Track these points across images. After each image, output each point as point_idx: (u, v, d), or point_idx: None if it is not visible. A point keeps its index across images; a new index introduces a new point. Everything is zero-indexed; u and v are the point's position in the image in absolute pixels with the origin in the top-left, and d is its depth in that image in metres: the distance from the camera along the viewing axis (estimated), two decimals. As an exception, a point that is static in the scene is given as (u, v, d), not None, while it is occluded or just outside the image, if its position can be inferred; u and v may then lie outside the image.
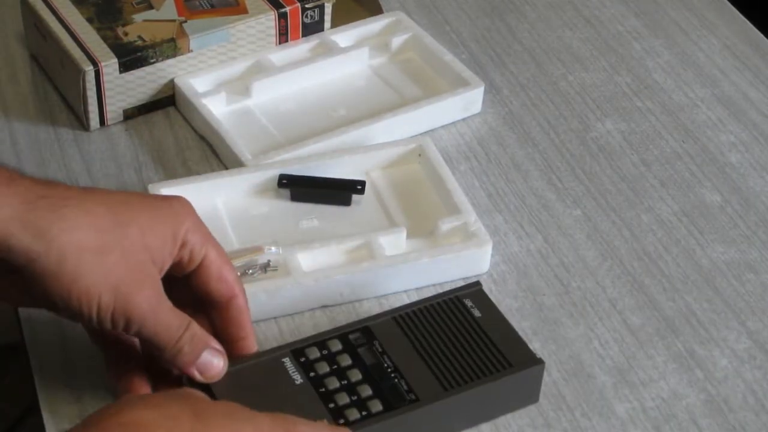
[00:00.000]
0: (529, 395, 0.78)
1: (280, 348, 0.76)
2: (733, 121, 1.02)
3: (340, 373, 0.75)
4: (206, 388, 0.74)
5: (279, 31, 1.02)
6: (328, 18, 1.04)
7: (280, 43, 1.03)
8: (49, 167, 0.94)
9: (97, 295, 0.66)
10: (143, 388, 0.73)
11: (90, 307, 0.66)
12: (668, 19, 1.14)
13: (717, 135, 1.01)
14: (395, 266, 0.84)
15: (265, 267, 0.83)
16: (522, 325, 0.83)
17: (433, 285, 0.86)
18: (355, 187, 0.90)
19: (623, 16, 1.14)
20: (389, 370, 0.75)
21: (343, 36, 1.05)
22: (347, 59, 1.03)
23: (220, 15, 1.00)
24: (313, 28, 1.04)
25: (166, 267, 0.70)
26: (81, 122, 0.98)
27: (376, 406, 0.73)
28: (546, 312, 0.85)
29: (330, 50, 1.03)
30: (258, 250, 0.83)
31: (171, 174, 0.94)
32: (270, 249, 0.83)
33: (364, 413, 0.72)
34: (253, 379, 0.74)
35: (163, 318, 0.69)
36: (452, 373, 0.75)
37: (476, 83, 1.00)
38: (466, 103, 1.00)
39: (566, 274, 0.87)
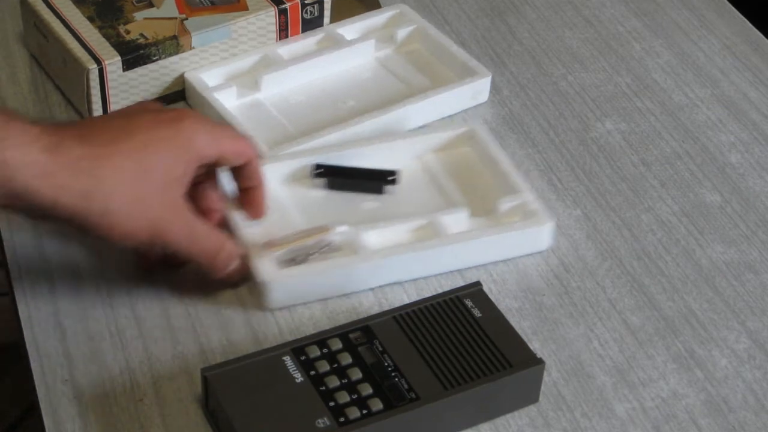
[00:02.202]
0: (529, 395, 0.78)
1: (280, 346, 0.76)
2: (732, 121, 1.02)
3: (341, 371, 0.75)
4: (206, 386, 0.74)
5: (279, 27, 1.02)
6: (327, 14, 1.04)
7: (280, 39, 1.03)
8: (49, 167, 0.94)
9: (136, 236, 0.77)
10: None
11: (132, 244, 0.78)
12: (668, 19, 1.14)
13: (717, 135, 1.01)
14: (460, 244, 0.86)
15: (332, 246, 0.85)
16: (522, 325, 0.83)
17: (496, 262, 0.87)
18: (387, 177, 0.91)
19: (623, 16, 1.14)
20: (390, 369, 0.75)
21: (349, 29, 1.06)
22: (354, 52, 1.04)
23: (220, 12, 1.00)
24: (312, 23, 1.04)
25: (188, 185, 0.80)
26: (81, 122, 0.98)
27: (377, 404, 0.73)
28: (546, 312, 0.85)
29: (336, 43, 1.04)
30: (325, 229, 0.85)
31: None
32: (337, 228, 0.85)
33: (364, 412, 0.72)
34: (253, 377, 0.74)
35: (198, 243, 0.81)
36: (452, 373, 0.75)
37: (483, 72, 1.01)
38: (474, 92, 1.01)
39: (566, 274, 0.87)
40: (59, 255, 0.87)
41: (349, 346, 0.76)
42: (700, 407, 0.79)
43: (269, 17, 1.01)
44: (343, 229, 0.85)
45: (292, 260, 0.84)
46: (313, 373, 0.74)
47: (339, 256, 0.84)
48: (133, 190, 0.76)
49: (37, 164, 0.73)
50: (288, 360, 0.75)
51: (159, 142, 0.78)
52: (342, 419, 0.72)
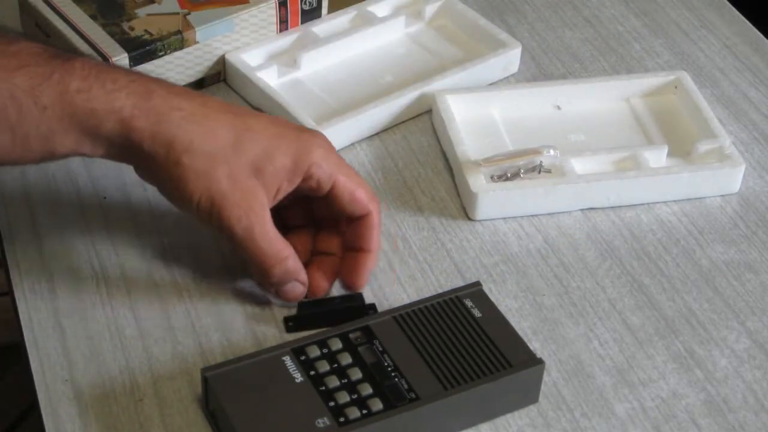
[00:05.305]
0: (529, 395, 0.78)
1: (280, 346, 0.76)
2: (733, 121, 1.02)
3: (341, 371, 0.75)
4: (206, 386, 0.74)
5: (279, 18, 1.03)
6: (325, 3, 1.06)
7: (280, 30, 1.04)
8: (48, 168, 0.94)
9: (197, 199, 0.76)
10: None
11: (191, 206, 0.77)
12: (668, 19, 1.14)
13: (717, 135, 1.01)
14: (658, 177, 0.92)
15: (541, 168, 0.91)
16: (522, 325, 0.83)
17: (689, 199, 0.93)
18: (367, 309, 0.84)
19: (623, 16, 1.14)
20: (389, 369, 0.75)
21: (379, 7, 1.08)
22: (385, 28, 1.07)
23: (220, 6, 1.01)
24: (311, 15, 1.05)
25: (283, 194, 0.78)
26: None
27: (377, 404, 0.73)
28: (546, 312, 0.85)
29: (368, 21, 1.07)
30: (537, 152, 0.91)
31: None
32: (548, 152, 0.91)
33: (364, 412, 0.72)
34: (253, 378, 0.74)
35: (260, 245, 0.77)
36: (452, 373, 0.75)
37: (513, 44, 1.04)
38: (506, 63, 1.04)
39: (566, 274, 0.88)
40: (59, 255, 0.87)
41: (349, 346, 0.76)
42: (700, 407, 0.79)
43: (270, 9, 1.02)
44: (553, 152, 0.91)
45: (503, 176, 0.90)
46: (313, 373, 0.74)
47: (547, 177, 0.91)
48: (212, 156, 0.76)
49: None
50: (288, 360, 0.75)
51: (267, 133, 0.78)
52: (342, 419, 0.72)
